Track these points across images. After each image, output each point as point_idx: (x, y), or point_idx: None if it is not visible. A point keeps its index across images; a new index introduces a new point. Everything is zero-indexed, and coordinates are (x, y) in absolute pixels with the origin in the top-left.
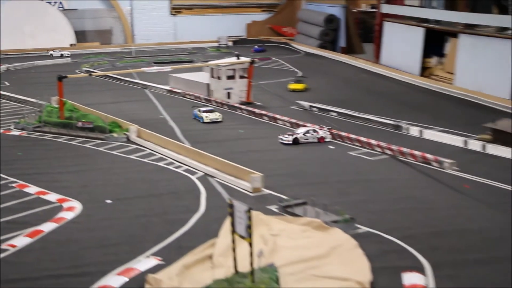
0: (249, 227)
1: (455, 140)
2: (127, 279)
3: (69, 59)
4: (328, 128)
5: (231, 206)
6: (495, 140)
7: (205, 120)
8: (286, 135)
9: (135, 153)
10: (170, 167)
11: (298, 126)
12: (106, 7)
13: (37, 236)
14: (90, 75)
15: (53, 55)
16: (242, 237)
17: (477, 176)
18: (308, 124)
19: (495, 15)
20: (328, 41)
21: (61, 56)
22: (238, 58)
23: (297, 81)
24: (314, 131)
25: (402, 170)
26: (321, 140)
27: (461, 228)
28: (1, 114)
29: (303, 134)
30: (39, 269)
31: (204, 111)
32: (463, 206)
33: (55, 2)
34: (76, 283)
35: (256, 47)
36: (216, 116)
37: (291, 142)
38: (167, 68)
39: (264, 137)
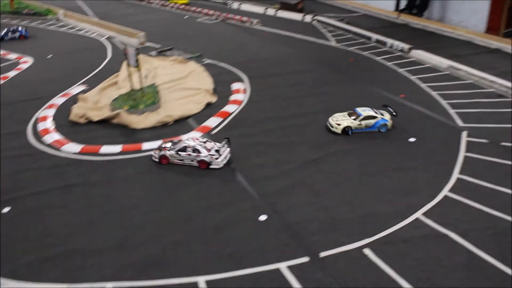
0: (137, 60)
1: (259, 9)
2: (66, 99)
3: None
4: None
5: (124, 49)
6: (282, 8)
7: None
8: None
9: (64, 27)
10: (87, 34)
11: (164, 6)
12: None
13: (5, 79)
14: None
15: None
16: (134, 67)
17: (273, 28)
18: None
19: None
20: None
21: None
22: None
23: None
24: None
25: (229, 28)
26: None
27: (264, 57)
28: None
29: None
30: (8, 98)
31: None
32: (265, 45)
33: None
34: (34, 104)
35: None
36: None
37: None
38: None
39: (144, 13)
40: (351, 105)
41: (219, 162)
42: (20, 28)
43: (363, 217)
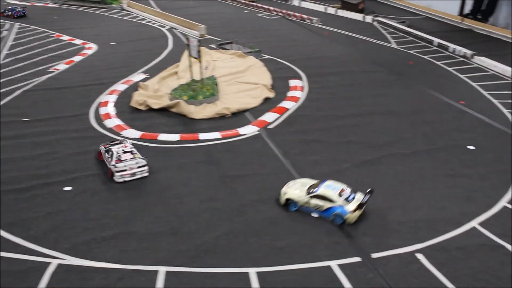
0: (199, 52)
1: (319, 7)
2: (127, 86)
3: None
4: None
5: (187, 39)
6: (343, 8)
7: None
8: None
9: (127, 16)
10: (149, 24)
11: None
12: None
13: (71, 64)
14: None
15: None
16: (195, 58)
17: (333, 27)
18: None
19: None
20: None
21: None
22: None
23: None
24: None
25: (288, 24)
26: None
27: (322, 56)
28: None
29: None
30: (73, 81)
31: None
32: (324, 44)
33: None
34: (97, 89)
35: None
36: None
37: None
38: None
39: (205, 5)
40: (409, 108)
41: (118, 176)
42: (18, 8)
43: (417, 222)
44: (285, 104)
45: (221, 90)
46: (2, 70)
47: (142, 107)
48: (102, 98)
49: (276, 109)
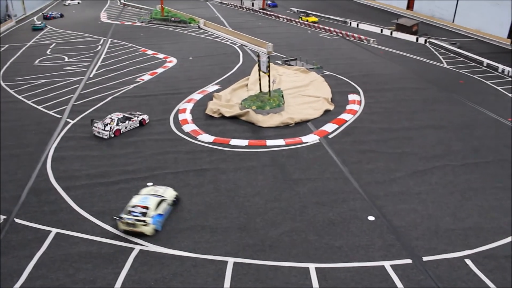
0: (268, 67)
1: (376, 29)
2: (202, 96)
3: None
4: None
5: (258, 56)
6: (398, 30)
7: None
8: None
9: (203, 34)
10: (222, 41)
11: (289, 20)
12: None
13: (154, 75)
14: None
15: None
16: (264, 72)
17: (388, 47)
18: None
19: None
20: None
21: None
22: None
23: (307, 15)
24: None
25: (348, 44)
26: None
27: (378, 73)
28: (129, 15)
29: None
30: (156, 90)
31: None
32: (380, 62)
33: None
34: (176, 97)
35: (270, 2)
36: None
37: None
38: None
39: (272, 26)
40: (459, 124)
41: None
42: (54, 13)
43: (466, 229)
44: (344, 116)
45: (286, 101)
46: (96, 79)
47: (215, 115)
48: (181, 105)
49: (336, 120)
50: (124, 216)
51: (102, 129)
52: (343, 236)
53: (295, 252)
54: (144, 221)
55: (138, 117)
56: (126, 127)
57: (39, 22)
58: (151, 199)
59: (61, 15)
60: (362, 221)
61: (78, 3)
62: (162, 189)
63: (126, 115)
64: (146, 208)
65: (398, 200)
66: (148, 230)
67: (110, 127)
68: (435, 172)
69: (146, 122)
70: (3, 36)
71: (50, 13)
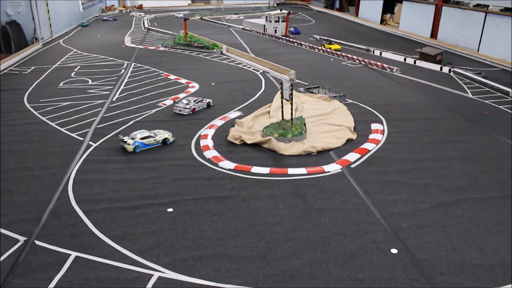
0: (291, 94)
1: (399, 58)
2: (224, 121)
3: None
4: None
5: (281, 83)
6: (421, 58)
7: None
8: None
9: (226, 60)
10: (245, 67)
11: (312, 48)
12: None
13: (176, 100)
14: (201, 19)
15: (176, 16)
16: (287, 100)
17: (411, 76)
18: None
19: None
20: (330, 4)
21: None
22: (281, 11)
23: (330, 43)
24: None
25: (370, 72)
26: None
27: (401, 102)
28: (153, 39)
29: (196, 103)
30: (178, 115)
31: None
32: (403, 91)
33: None
34: (198, 123)
35: (293, 29)
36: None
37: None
38: (242, 16)
39: (295, 53)
40: (484, 155)
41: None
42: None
43: (493, 265)
44: (367, 145)
45: (309, 129)
46: (118, 103)
47: (237, 142)
48: (202, 131)
49: (358, 149)
50: (123, 137)
51: (183, 107)
52: (365, 268)
53: (316, 284)
54: (126, 141)
55: (205, 101)
56: (199, 107)
57: (86, 20)
58: (143, 132)
59: (114, 19)
60: (385, 254)
61: (114, 19)
62: (161, 132)
63: (199, 99)
64: (135, 136)
65: (422, 232)
66: (128, 147)
67: (189, 106)
68: (460, 205)
69: (211, 104)
70: (30, 58)
71: (104, 17)
